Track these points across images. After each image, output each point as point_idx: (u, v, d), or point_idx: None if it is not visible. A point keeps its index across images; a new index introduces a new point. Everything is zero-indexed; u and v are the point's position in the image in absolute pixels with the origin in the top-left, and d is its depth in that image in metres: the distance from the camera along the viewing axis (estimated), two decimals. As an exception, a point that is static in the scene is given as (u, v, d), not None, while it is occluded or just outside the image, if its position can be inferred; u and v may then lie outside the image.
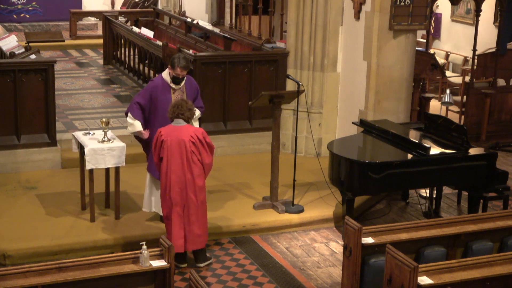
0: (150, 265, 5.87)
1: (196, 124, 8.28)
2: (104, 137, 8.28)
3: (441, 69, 11.92)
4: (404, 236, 6.59)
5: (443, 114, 12.14)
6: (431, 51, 13.71)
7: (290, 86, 10.61)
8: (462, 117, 12.25)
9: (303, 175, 9.55)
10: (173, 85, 8.11)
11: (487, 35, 14.13)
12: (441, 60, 14.79)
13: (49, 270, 5.62)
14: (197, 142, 7.37)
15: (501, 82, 12.47)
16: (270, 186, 8.94)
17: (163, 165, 7.42)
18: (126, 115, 8.26)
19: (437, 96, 14.19)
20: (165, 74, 8.17)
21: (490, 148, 11.13)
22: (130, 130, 8.23)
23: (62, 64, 15.07)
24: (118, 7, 19.43)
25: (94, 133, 8.51)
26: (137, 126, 8.14)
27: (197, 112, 8.23)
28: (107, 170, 8.58)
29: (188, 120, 7.44)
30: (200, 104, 8.33)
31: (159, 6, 18.06)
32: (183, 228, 7.49)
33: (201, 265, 7.69)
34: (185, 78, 8.17)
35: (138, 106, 8.15)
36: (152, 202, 8.32)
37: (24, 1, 19.03)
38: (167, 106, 8.02)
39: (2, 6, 18.82)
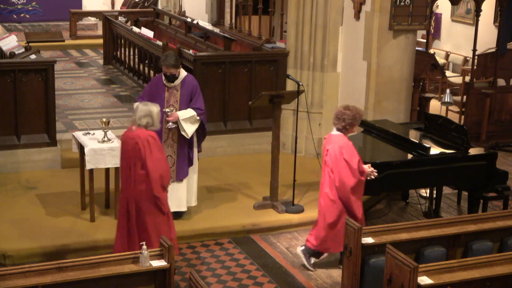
0: (150, 265, 5.87)
1: (193, 127, 8.14)
2: (104, 137, 8.28)
3: (441, 69, 11.92)
4: (404, 236, 6.59)
5: (443, 114, 12.14)
6: (431, 51, 13.71)
7: (290, 86, 10.61)
8: (462, 117, 12.24)
9: (303, 175, 9.54)
10: (165, 83, 8.13)
11: (487, 35, 14.13)
12: (441, 60, 14.79)
13: (49, 270, 5.62)
14: (331, 155, 7.30)
15: (501, 82, 12.46)
16: (270, 186, 8.94)
17: None
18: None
19: (437, 96, 14.19)
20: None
21: (490, 148, 11.13)
22: None
23: (62, 64, 15.07)
24: (118, 7, 19.43)
25: (94, 133, 8.51)
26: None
27: (191, 113, 8.10)
28: (107, 170, 8.58)
29: (341, 130, 7.33)
30: (197, 105, 8.13)
31: (159, 6, 18.06)
32: (315, 227, 7.62)
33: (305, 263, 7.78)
34: (180, 77, 8.15)
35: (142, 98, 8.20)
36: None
37: (24, 1, 19.03)
38: (161, 103, 8.05)
39: (2, 6, 18.82)
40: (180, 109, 8.11)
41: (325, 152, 7.40)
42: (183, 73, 8.22)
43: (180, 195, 8.35)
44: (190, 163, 8.33)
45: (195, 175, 8.51)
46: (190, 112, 8.10)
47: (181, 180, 8.32)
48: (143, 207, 7.01)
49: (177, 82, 8.15)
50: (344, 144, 7.29)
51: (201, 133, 8.36)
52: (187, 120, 8.08)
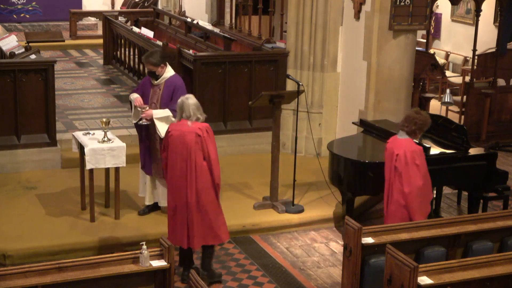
0: (150, 265, 5.87)
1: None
2: (104, 137, 8.28)
3: (441, 69, 11.92)
4: (404, 236, 6.59)
5: (443, 114, 12.14)
6: (431, 51, 13.71)
7: (290, 86, 10.61)
8: (462, 117, 12.25)
9: (303, 175, 9.54)
10: (151, 80, 8.18)
11: (487, 35, 14.13)
12: (441, 60, 14.79)
13: (49, 270, 5.61)
14: (401, 160, 7.12)
15: (501, 82, 12.47)
16: (270, 186, 8.94)
17: None
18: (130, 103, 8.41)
19: (437, 96, 14.19)
20: None
21: (490, 148, 11.13)
22: (131, 98, 8.26)
23: (62, 64, 15.07)
24: (118, 7, 19.43)
25: (94, 133, 8.51)
26: (132, 95, 8.27)
27: (166, 114, 8.00)
28: (107, 170, 8.57)
29: (410, 133, 7.20)
30: (174, 107, 7.71)
31: (159, 6, 18.06)
32: None
33: None
34: (164, 76, 8.12)
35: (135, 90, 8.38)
36: None
37: (24, 1, 19.03)
38: (145, 100, 8.12)
39: (2, 6, 18.82)
40: (160, 108, 8.10)
41: (393, 157, 7.18)
42: (169, 72, 8.19)
43: (159, 191, 8.42)
44: None
45: None
46: (165, 112, 8.05)
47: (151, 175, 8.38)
48: (206, 196, 7.14)
49: (161, 80, 8.14)
50: (416, 149, 7.16)
51: None
52: (162, 120, 8.03)
